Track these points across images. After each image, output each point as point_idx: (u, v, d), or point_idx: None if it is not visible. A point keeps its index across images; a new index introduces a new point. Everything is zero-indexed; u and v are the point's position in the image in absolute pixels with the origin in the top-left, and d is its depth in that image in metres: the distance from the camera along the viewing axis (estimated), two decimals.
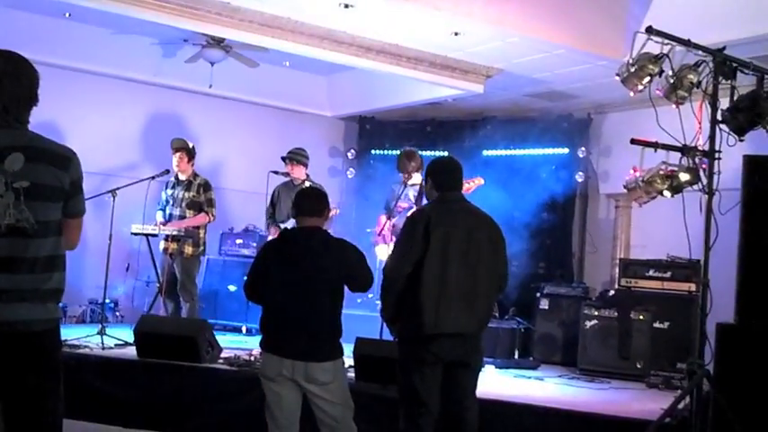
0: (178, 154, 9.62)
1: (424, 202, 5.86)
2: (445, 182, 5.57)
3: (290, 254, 5.40)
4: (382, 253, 9.01)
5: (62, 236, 3.79)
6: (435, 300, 5.20)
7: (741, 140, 6.44)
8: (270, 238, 9.60)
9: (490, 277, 5.44)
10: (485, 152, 11.96)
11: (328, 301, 5.32)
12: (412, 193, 8.97)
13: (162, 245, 9.61)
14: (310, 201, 5.58)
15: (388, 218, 9.08)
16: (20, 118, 3.73)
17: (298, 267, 5.31)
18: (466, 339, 5.36)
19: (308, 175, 9.38)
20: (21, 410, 3.63)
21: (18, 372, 3.60)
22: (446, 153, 10.58)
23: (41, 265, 3.65)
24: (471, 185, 8.48)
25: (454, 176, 5.62)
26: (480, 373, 5.59)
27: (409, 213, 6.86)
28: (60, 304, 3.87)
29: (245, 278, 5.62)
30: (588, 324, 9.22)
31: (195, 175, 9.80)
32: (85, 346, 8.24)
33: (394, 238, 8.63)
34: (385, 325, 5.82)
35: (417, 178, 8.75)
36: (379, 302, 6.54)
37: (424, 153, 9.22)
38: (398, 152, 9.62)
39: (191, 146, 9.70)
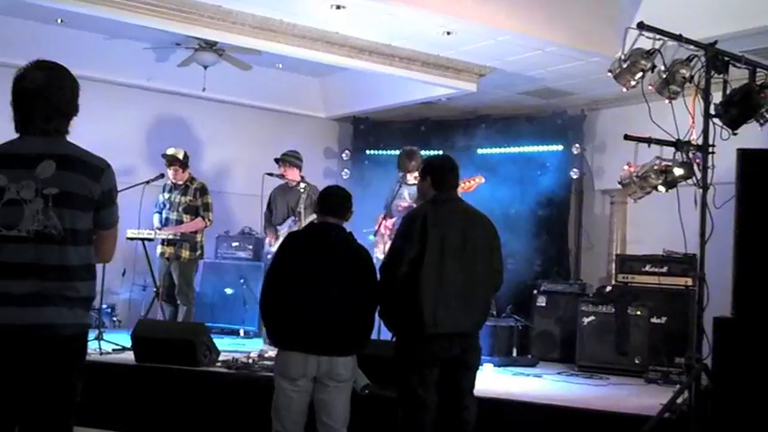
0: (172, 167, 9.64)
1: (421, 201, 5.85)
2: (444, 181, 5.57)
3: (313, 248, 5.37)
4: (380, 253, 9.00)
5: (92, 246, 3.81)
6: (434, 299, 5.21)
7: (734, 134, 6.47)
8: (267, 241, 9.59)
9: (486, 276, 5.46)
10: (479, 150, 11.94)
11: (351, 295, 5.28)
12: (407, 193, 8.95)
13: (159, 249, 9.62)
14: (337, 201, 5.52)
15: (385, 217, 9.08)
16: (59, 128, 3.79)
17: (322, 261, 5.28)
18: (464, 338, 5.38)
19: (302, 177, 9.37)
20: (37, 413, 3.64)
21: (41, 375, 3.61)
22: (441, 152, 10.58)
23: (70, 272, 3.67)
24: (472, 184, 8.50)
25: (452, 175, 5.64)
26: (478, 372, 5.59)
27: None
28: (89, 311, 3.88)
29: (263, 286, 5.46)
30: (586, 320, 9.22)
31: (192, 179, 9.80)
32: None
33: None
34: (383, 324, 5.81)
35: (415, 178, 8.72)
36: None
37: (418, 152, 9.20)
38: (393, 152, 9.63)
39: (182, 156, 9.69)
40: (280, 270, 5.39)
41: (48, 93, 3.74)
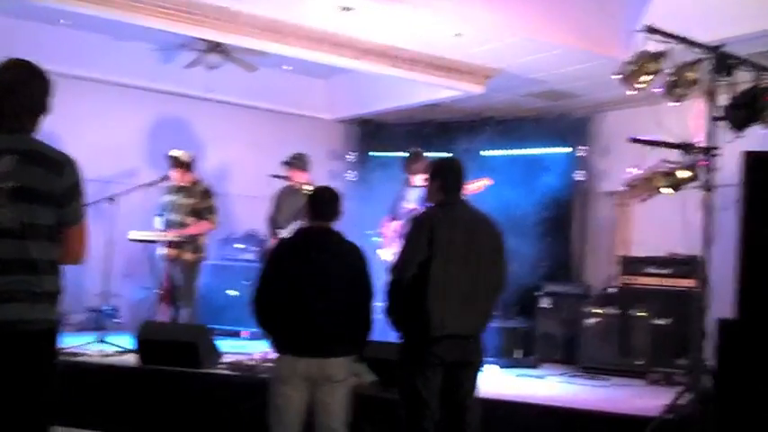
0: (176, 169, 9.61)
1: (427, 203, 5.87)
2: (452, 184, 5.58)
3: (304, 251, 5.37)
4: (386, 255, 9.01)
5: (55, 243, 3.78)
6: (442, 301, 5.22)
7: (740, 137, 6.47)
8: (271, 243, 9.56)
9: (491, 279, 5.47)
10: (484, 152, 11.94)
11: (344, 296, 5.30)
12: (413, 195, 8.96)
13: (162, 251, 9.61)
14: (327, 205, 5.51)
15: (391, 219, 9.08)
16: (27, 125, 3.80)
17: (313, 264, 5.29)
18: (468, 340, 5.39)
19: (309, 181, 9.37)
20: (6, 409, 3.62)
21: (7, 370, 3.59)
22: (446, 154, 10.58)
23: (31, 267, 3.65)
24: (480, 186, 8.50)
25: (460, 178, 5.64)
26: (481, 373, 5.60)
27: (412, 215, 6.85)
28: (57, 307, 3.83)
29: (255, 289, 5.42)
30: (589, 322, 9.24)
31: (196, 181, 9.75)
32: (85, 354, 8.22)
33: (398, 240, 8.64)
34: (387, 326, 5.81)
35: (421, 180, 8.71)
36: (380, 304, 6.55)
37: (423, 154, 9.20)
38: (398, 154, 9.63)
39: (185, 160, 9.63)
40: (269, 276, 5.40)
41: (17, 90, 3.76)
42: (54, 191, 3.72)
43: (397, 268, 5.40)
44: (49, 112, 3.89)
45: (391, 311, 5.53)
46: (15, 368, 3.61)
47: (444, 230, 5.30)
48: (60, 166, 3.76)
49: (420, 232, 5.34)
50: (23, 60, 3.87)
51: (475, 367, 5.52)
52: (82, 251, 3.94)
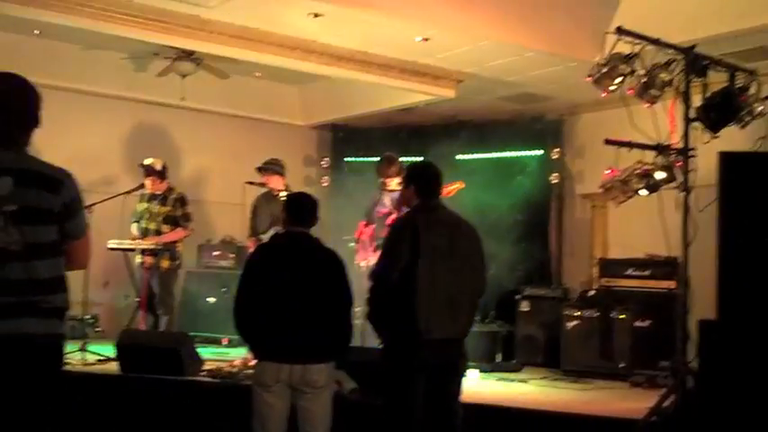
0: (150, 177, 9.58)
1: (404, 208, 5.85)
2: (428, 188, 5.58)
3: (282, 257, 5.38)
4: (361, 260, 8.98)
5: (61, 257, 3.79)
6: (427, 306, 5.21)
7: (715, 137, 6.49)
8: (250, 250, 9.52)
9: (472, 282, 5.47)
10: (459, 156, 11.92)
11: (323, 302, 5.28)
12: (387, 199, 8.93)
13: (139, 259, 9.55)
14: (304, 211, 5.52)
15: (366, 224, 9.06)
16: (19, 140, 3.75)
17: (291, 270, 5.28)
18: (452, 344, 5.39)
19: (286, 186, 9.34)
20: (9, 421, 3.61)
21: (11, 384, 3.59)
22: (421, 158, 10.57)
23: (39, 286, 3.65)
24: (452, 189, 8.49)
25: (436, 183, 5.64)
26: (464, 378, 5.59)
27: (390, 220, 6.84)
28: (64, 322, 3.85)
29: (235, 296, 5.46)
30: (569, 325, 9.23)
31: (170, 189, 9.73)
32: (67, 363, 8.13)
33: (374, 245, 8.62)
34: (371, 331, 5.80)
35: (396, 184, 8.69)
36: (358, 309, 6.52)
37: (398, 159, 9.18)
38: (372, 159, 9.60)
39: (159, 167, 9.61)
40: (249, 283, 5.39)
41: (6, 104, 3.71)
42: (53, 208, 3.71)
43: (379, 273, 5.39)
44: (39, 125, 3.85)
45: (374, 316, 5.52)
46: (24, 379, 3.61)
47: (428, 234, 5.29)
48: (57, 184, 3.74)
49: (402, 236, 5.33)
50: (10, 73, 3.83)
51: (459, 371, 5.52)
52: (86, 259, 4.03)
